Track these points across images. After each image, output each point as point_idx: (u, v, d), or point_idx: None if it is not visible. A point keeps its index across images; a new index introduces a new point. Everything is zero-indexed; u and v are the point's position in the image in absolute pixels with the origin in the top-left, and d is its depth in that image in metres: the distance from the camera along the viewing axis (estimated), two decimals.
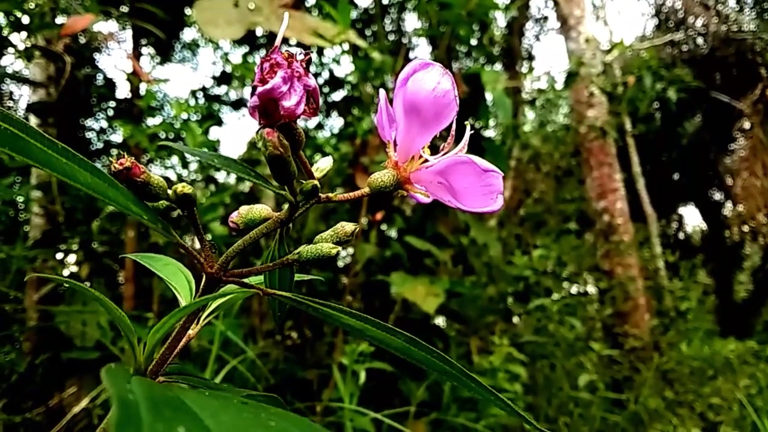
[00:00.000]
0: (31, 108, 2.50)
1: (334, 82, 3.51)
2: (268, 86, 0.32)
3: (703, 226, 10.61)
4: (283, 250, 0.39)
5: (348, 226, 0.40)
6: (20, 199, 3.22)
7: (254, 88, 0.33)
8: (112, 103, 2.87)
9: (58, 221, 2.50)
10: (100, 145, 3.36)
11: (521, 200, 4.75)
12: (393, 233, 3.05)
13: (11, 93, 4.37)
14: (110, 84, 2.86)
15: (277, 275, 0.40)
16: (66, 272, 2.66)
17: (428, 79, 0.36)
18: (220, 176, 3.50)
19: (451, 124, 0.37)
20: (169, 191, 0.36)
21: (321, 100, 3.55)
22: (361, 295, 2.82)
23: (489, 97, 3.18)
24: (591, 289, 4.84)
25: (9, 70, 2.69)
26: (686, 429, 2.97)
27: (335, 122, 4.65)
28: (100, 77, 2.98)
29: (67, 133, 2.69)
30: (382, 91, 0.38)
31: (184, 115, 2.79)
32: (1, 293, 2.33)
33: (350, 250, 2.94)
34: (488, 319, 3.37)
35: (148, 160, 2.76)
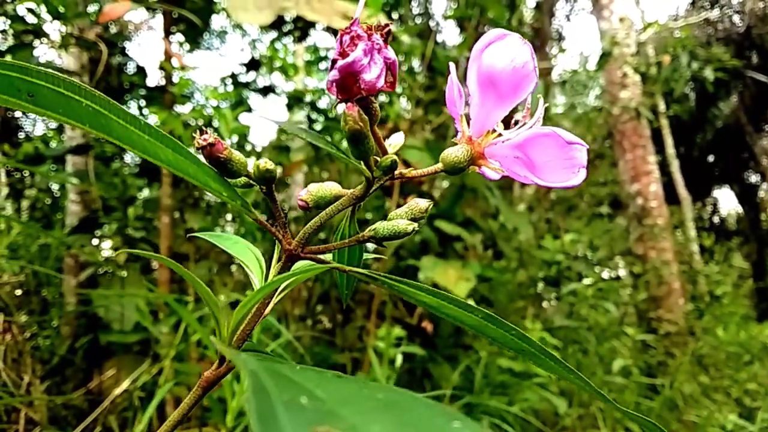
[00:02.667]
0: None
1: None
2: (349, 59, 0.32)
3: (739, 209, 10.38)
4: (354, 228, 0.39)
5: (422, 203, 0.40)
6: (56, 186, 3.28)
7: (334, 62, 0.32)
8: (143, 91, 2.90)
9: (94, 208, 2.54)
10: None
11: None
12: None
13: None
14: (142, 72, 2.88)
15: (347, 252, 0.40)
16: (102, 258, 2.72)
17: (506, 50, 0.35)
18: (249, 164, 3.51)
19: (526, 97, 0.36)
20: (250, 168, 0.36)
21: None
22: None
23: None
24: (624, 273, 4.78)
25: (42, 60, 2.73)
26: (722, 414, 2.92)
27: None
28: (131, 65, 3.01)
29: None
30: (452, 65, 0.37)
31: (215, 102, 2.81)
32: (40, 279, 2.39)
33: None
34: (519, 304, 3.35)
35: None
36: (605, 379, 3.02)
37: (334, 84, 0.33)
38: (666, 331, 3.95)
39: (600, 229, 4.31)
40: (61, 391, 2.19)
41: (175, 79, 2.58)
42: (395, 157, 0.36)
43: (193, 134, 0.34)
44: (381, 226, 0.38)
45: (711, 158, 9.59)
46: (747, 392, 3.52)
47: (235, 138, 2.94)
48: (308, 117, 3.24)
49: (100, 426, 1.75)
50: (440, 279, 2.47)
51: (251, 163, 0.37)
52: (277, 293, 0.39)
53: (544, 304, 3.94)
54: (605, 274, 4.54)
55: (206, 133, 0.34)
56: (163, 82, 2.66)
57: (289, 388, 0.18)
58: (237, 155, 0.35)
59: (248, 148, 3.21)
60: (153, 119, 2.97)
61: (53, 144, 3.58)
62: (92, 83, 2.61)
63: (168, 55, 2.40)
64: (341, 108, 0.33)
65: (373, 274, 0.36)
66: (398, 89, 3.29)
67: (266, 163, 0.35)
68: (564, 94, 5.88)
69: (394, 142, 0.40)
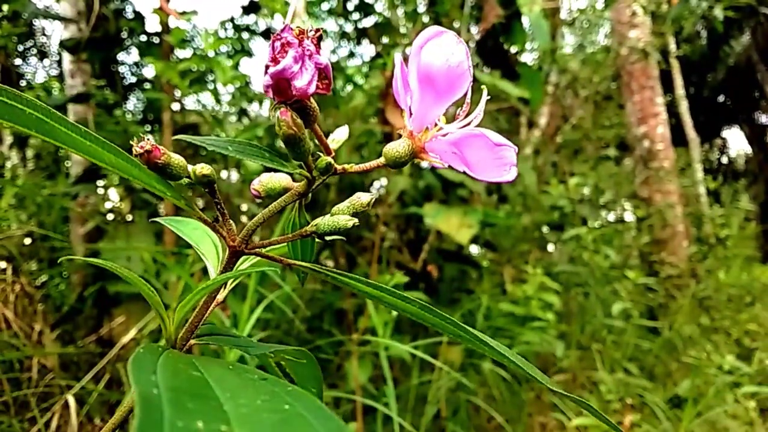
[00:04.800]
0: (63, 44, 2.52)
1: (365, 9, 3.42)
2: (279, 67, 0.33)
3: (748, 149, 10.24)
4: (304, 218, 0.40)
5: (364, 197, 0.41)
6: None
7: (266, 68, 0.33)
8: (143, 37, 2.86)
9: None
10: (134, 80, 3.40)
11: (558, 127, 4.64)
12: (425, 164, 3.03)
13: (44, 29, 4.40)
14: (139, 17, 2.84)
15: (299, 245, 0.41)
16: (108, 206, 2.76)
17: (441, 49, 0.35)
18: (254, 109, 3.51)
19: (466, 93, 0.37)
20: (189, 169, 0.37)
21: (351, 27, 3.45)
22: (395, 227, 2.85)
23: (525, 19, 3.05)
24: (628, 216, 4.79)
25: (40, 6, 2.70)
26: (720, 355, 2.98)
27: (366, 50, 4.55)
28: (129, 10, 2.97)
29: (100, 69, 2.71)
30: (398, 56, 0.38)
31: (213, 51, 2.77)
32: (47, 229, 2.43)
33: (384, 181, 2.95)
34: (522, 248, 3.38)
35: (180, 95, 2.77)
36: (605, 322, 3.07)
37: (270, 88, 0.34)
38: (668, 274, 3.98)
39: (606, 172, 4.29)
40: (73, 338, 2.25)
41: (172, 26, 2.54)
42: (330, 159, 0.37)
43: (131, 142, 0.35)
44: (322, 222, 0.39)
45: (721, 98, 9.39)
46: (747, 333, 3.58)
47: (237, 84, 2.92)
48: None
49: (108, 374, 1.82)
50: (443, 226, 2.48)
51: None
52: (229, 284, 0.41)
53: (549, 247, 3.97)
54: (611, 217, 4.55)
55: (144, 140, 0.36)
56: (160, 29, 2.62)
57: (188, 412, 0.20)
58: (176, 159, 0.37)
59: (250, 94, 3.19)
60: (150, 68, 2.95)
61: (55, 93, 3.57)
62: (88, 29, 2.58)
63: (162, 7, 2.36)
64: (278, 110, 0.34)
65: (316, 268, 0.38)
66: (402, 30, 3.22)
67: (203, 169, 0.36)
68: (572, 34, 5.73)
69: (337, 137, 0.41)
